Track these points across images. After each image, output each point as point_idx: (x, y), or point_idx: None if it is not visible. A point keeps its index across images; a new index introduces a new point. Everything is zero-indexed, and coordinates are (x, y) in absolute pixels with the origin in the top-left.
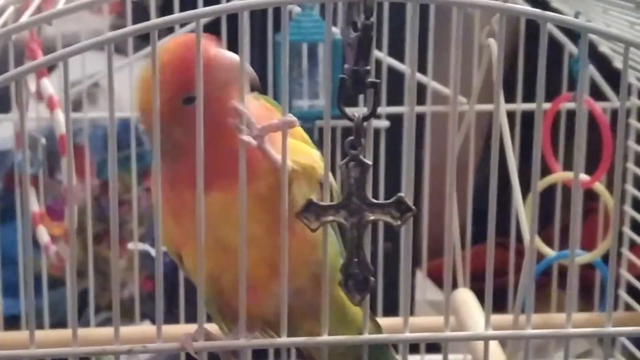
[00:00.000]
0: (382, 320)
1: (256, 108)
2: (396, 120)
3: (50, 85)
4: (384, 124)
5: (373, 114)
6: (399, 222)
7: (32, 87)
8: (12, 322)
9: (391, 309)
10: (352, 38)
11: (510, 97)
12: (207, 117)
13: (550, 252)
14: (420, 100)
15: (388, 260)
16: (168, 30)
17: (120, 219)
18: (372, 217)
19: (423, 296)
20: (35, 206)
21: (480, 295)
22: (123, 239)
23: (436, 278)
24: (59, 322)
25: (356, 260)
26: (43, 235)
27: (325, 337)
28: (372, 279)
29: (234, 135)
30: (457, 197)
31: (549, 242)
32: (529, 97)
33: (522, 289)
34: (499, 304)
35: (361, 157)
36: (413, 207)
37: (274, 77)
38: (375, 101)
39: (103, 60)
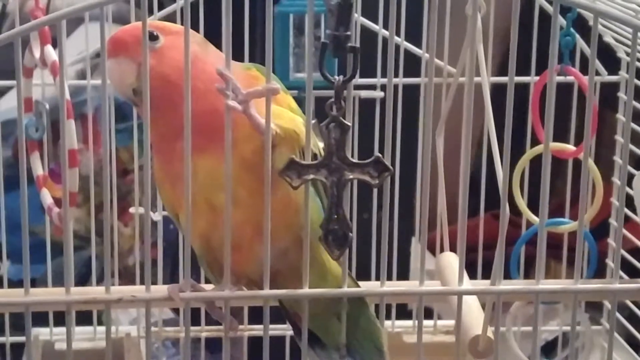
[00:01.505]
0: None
1: (241, 76)
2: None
3: (54, 52)
4: (378, 94)
5: (352, 77)
6: (377, 181)
7: (37, 53)
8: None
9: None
10: (332, 5)
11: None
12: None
13: (536, 220)
14: (415, 72)
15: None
16: None
17: (126, 187)
18: (351, 176)
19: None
20: (39, 170)
21: (470, 266)
22: (129, 207)
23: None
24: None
25: (336, 217)
26: (46, 197)
27: (305, 290)
28: (350, 235)
29: (220, 100)
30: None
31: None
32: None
33: (499, 249)
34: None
35: (341, 118)
36: (390, 167)
37: (274, 48)
38: (355, 65)
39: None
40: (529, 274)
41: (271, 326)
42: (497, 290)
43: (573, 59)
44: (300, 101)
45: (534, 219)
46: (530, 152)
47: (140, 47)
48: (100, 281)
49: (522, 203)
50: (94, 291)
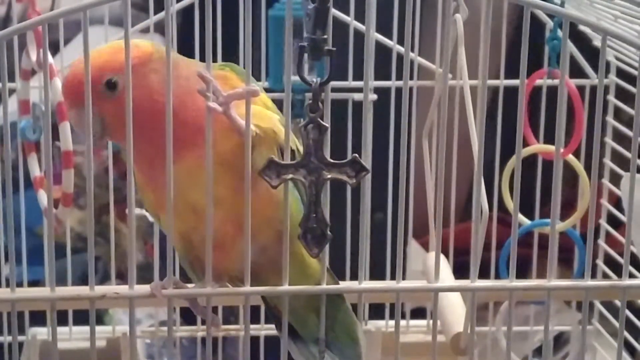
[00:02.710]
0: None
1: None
2: (384, 94)
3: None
4: (371, 97)
5: (329, 80)
6: (354, 181)
7: (34, 56)
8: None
9: (378, 277)
10: (309, 9)
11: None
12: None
13: (526, 221)
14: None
15: (379, 230)
16: None
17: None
18: (329, 176)
19: (416, 266)
20: (37, 171)
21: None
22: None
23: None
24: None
25: (314, 215)
26: (43, 198)
27: (285, 287)
28: (329, 233)
29: (193, 104)
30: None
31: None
32: (513, 73)
33: (474, 245)
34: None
35: (319, 119)
36: (367, 167)
37: (266, 51)
38: (331, 68)
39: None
40: (525, 275)
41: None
42: (472, 287)
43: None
44: (294, 103)
45: (523, 219)
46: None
47: (99, 97)
48: (103, 282)
49: (510, 203)
50: (80, 289)
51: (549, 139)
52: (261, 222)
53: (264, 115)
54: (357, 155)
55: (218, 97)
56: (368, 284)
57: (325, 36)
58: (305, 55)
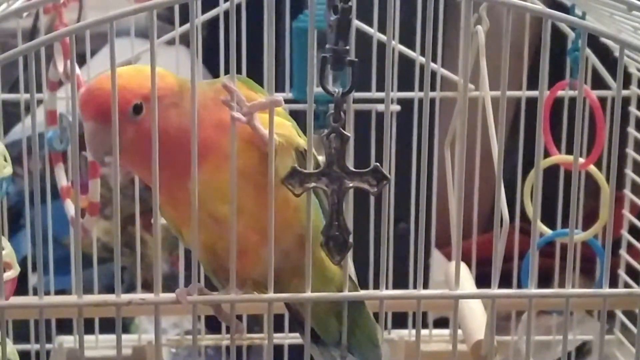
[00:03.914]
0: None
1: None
2: (407, 105)
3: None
4: (395, 107)
5: (351, 90)
6: (375, 190)
7: (60, 67)
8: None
9: (402, 286)
10: (332, 20)
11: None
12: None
13: (548, 231)
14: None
15: (402, 240)
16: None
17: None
18: (351, 185)
19: (438, 277)
20: (64, 181)
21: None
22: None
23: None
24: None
25: (336, 223)
26: (70, 208)
27: (308, 294)
28: (350, 241)
29: (210, 116)
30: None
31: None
32: (535, 84)
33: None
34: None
35: (341, 129)
36: (388, 176)
37: (290, 63)
38: (354, 78)
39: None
40: (547, 284)
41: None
42: (492, 294)
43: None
44: (317, 114)
45: (545, 229)
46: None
47: (122, 118)
48: (129, 292)
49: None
50: (106, 296)
51: (571, 149)
52: (282, 229)
53: (280, 123)
54: (378, 164)
55: (242, 107)
56: (389, 292)
57: (347, 47)
58: (328, 66)
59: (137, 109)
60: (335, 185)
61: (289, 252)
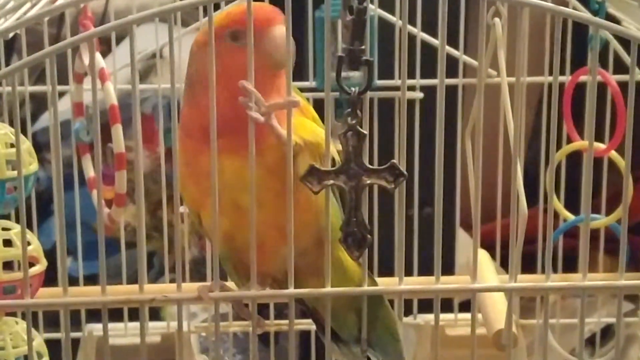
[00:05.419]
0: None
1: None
2: (430, 92)
3: (102, 58)
4: (418, 95)
5: (367, 89)
6: (393, 186)
7: (86, 60)
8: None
9: (427, 270)
10: (348, 20)
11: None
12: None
13: (570, 216)
14: (452, 73)
15: (429, 224)
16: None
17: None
18: (368, 181)
19: (464, 258)
20: (91, 172)
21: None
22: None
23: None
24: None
25: (355, 220)
26: (96, 199)
27: (328, 289)
28: (369, 237)
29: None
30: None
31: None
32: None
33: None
34: (528, 269)
35: (358, 127)
36: (405, 173)
37: (314, 52)
38: (369, 77)
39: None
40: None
41: (297, 321)
42: (509, 287)
43: (606, 59)
44: (341, 102)
45: (568, 215)
46: (562, 151)
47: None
48: (158, 277)
49: (555, 199)
50: (130, 291)
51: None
52: (301, 228)
53: (310, 127)
54: (395, 161)
55: (260, 107)
56: (408, 286)
57: (363, 47)
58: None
59: (234, 36)
60: (353, 182)
61: (306, 251)
